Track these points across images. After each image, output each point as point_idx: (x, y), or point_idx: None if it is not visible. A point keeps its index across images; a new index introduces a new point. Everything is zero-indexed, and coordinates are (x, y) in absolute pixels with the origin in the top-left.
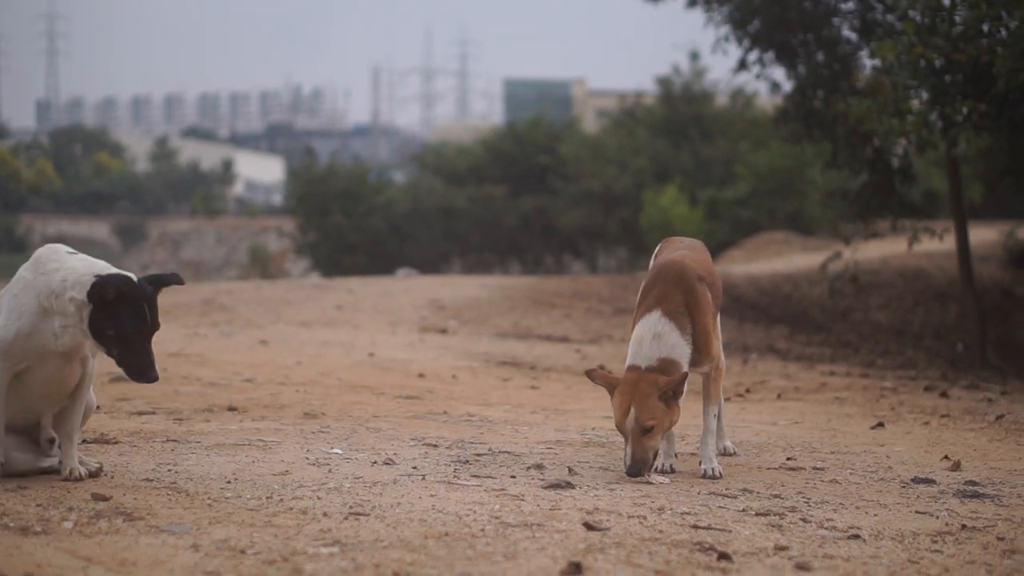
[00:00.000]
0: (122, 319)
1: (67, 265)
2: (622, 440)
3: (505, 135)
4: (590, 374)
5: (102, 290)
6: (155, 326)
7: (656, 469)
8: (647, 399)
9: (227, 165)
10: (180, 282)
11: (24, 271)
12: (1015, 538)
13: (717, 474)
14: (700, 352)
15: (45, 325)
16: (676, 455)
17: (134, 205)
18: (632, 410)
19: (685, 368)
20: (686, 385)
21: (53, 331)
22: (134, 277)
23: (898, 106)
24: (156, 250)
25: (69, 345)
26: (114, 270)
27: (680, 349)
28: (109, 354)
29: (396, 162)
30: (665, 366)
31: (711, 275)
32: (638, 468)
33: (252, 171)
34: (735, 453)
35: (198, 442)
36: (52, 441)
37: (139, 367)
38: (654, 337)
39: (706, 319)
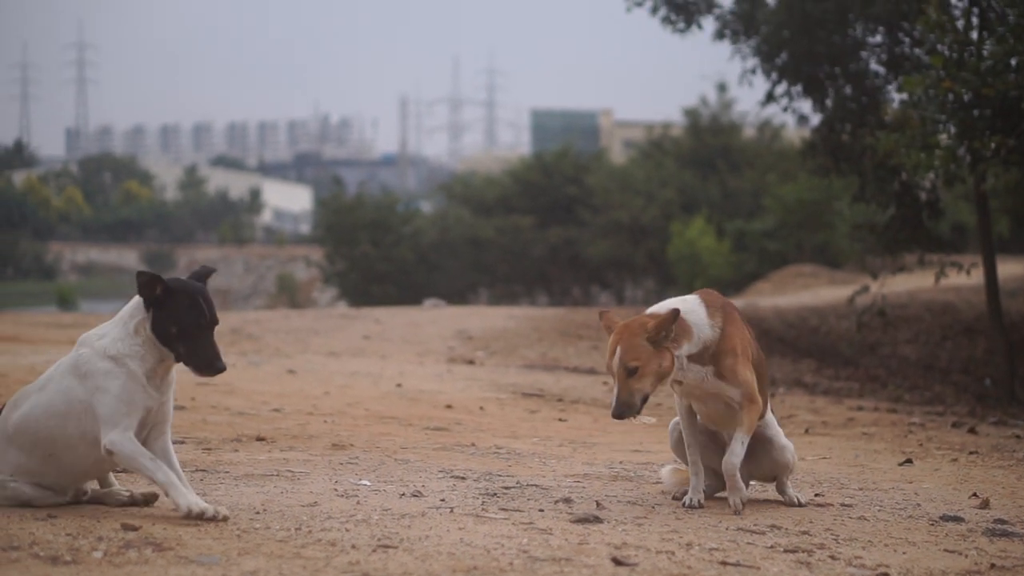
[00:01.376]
0: (181, 314)
1: (103, 331)
2: (652, 476)
3: (533, 165)
4: (601, 314)
5: (150, 285)
6: (214, 319)
7: (684, 504)
8: (634, 338)
9: (255, 194)
10: (214, 269)
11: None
12: None
13: (737, 508)
14: (722, 353)
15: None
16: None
17: (162, 233)
18: (618, 350)
19: (696, 333)
20: (675, 329)
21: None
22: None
23: (926, 140)
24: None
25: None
26: None
27: (697, 316)
28: (177, 356)
29: (424, 192)
30: (671, 315)
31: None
32: (621, 411)
33: (280, 200)
34: (802, 504)
35: (227, 472)
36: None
37: (206, 360)
38: (681, 302)
39: (736, 329)
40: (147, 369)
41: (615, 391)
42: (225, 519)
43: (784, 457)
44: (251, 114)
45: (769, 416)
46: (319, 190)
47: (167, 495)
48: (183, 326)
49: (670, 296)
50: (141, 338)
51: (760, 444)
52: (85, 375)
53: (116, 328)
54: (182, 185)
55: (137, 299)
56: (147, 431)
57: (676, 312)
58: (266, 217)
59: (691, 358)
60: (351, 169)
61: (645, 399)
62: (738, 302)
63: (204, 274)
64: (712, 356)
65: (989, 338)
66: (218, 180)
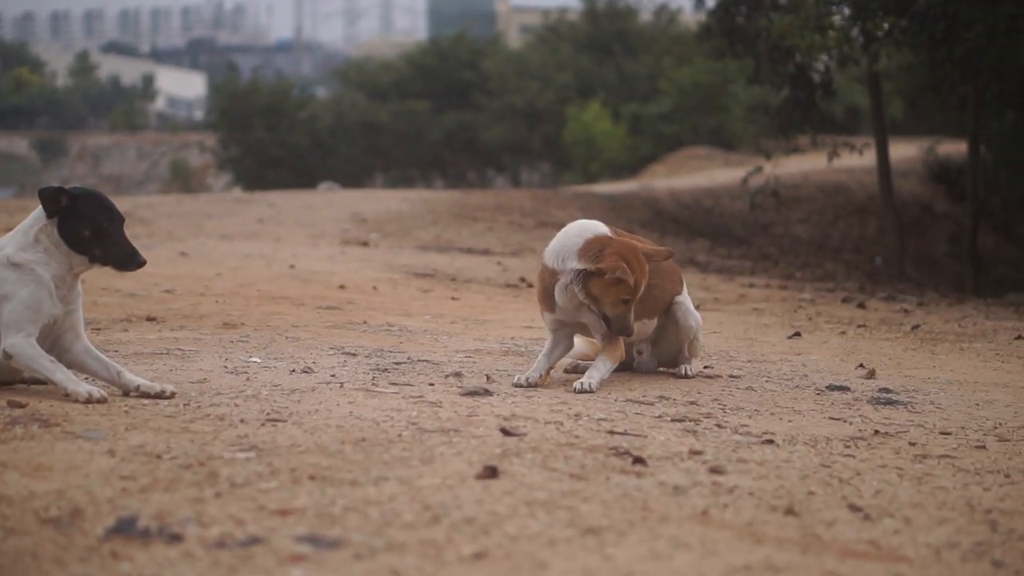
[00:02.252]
0: (92, 216)
1: (2, 242)
2: (538, 351)
3: (429, 51)
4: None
5: (54, 199)
6: (122, 216)
7: (514, 382)
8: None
9: (148, 81)
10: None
11: None
12: (926, 443)
13: (590, 387)
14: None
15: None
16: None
17: (54, 120)
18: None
19: None
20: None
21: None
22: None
23: (820, 21)
24: (76, 165)
25: (66, 292)
26: None
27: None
28: (93, 258)
29: (319, 78)
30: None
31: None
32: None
33: (173, 87)
34: (691, 376)
35: (116, 351)
36: None
37: (126, 254)
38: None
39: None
40: (54, 276)
41: (631, 316)
42: (103, 400)
43: (688, 324)
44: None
45: (684, 298)
46: (213, 76)
47: (67, 394)
48: (96, 227)
49: (565, 180)
50: (43, 246)
51: (671, 324)
52: None
53: (17, 237)
54: (73, 72)
55: (38, 210)
56: (52, 340)
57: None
58: (160, 104)
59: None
60: (246, 55)
61: None
62: (633, 184)
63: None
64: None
65: (880, 218)
66: (110, 66)
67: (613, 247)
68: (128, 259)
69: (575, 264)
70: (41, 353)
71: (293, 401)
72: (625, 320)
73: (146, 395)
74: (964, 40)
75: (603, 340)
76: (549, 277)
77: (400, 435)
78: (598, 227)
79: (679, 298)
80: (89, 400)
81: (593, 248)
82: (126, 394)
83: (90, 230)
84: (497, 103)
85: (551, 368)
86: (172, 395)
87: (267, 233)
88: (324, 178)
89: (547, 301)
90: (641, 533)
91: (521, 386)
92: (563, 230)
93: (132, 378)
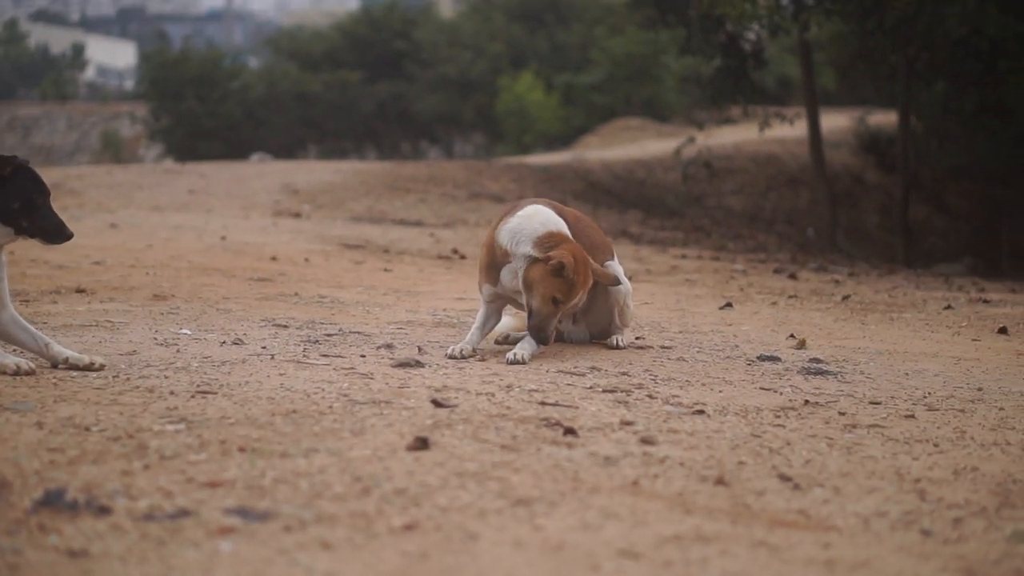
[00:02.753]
0: (22, 189)
1: None
2: (471, 323)
3: (361, 20)
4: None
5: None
6: (49, 191)
7: (447, 353)
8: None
9: (78, 49)
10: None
11: None
12: (856, 413)
13: (522, 359)
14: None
15: None
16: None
17: None
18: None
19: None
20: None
21: None
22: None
23: None
24: (5, 135)
25: None
26: None
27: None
28: (19, 230)
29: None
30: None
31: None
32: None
33: (104, 56)
34: (622, 347)
35: (44, 323)
36: None
37: (54, 227)
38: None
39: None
40: None
41: (554, 322)
42: (31, 372)
43: (617, 290)
44: None
45: (615, 265)
46: (144, 46)
47: None
48: (26, 199)
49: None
50: None
51: (600, 292)
52: None
53: None
54: (1, 41)
55: None
56: None
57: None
58: (90, 73)
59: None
60: (176, 24)
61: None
62: (566, 155)
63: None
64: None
65: (812, 189)
66: (39, 35)
67: (569, 247)
68: (57, 232)
69: (528, 250)
70: None
71: (223, 373)
72: (546, 324)
73: (75, 367)
74: (893, 9)
75: None
76: (501, 256)
77: (331, 407)
78: (559, 223)
79: (609, 262)
80: (17, 372)
81: (551, 241)
82: (54, 366)
83: (20, 202)
84: (430, 73)
85: (483, 340)
86: (101, 367)
87: (198, 204)
88: (256, 149)
89: (490, 274)
90: (572, 504)
91: (455, 358)
92: (523, 212)
93: (60, 350)
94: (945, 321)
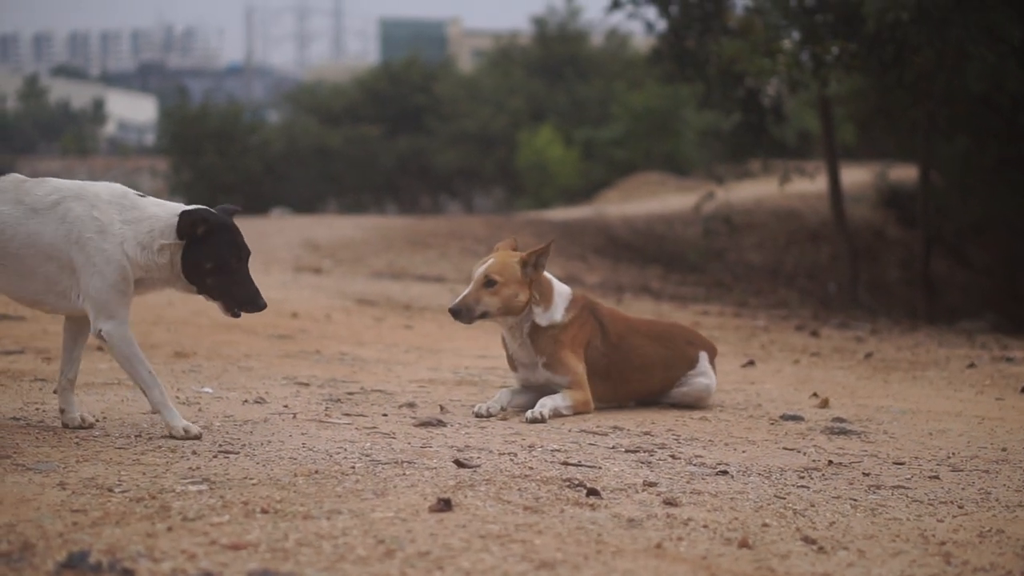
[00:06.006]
0: (222, 251)
1: (148, 212)
2: (497, 381)
3: (380, 75)
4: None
5: (191, 224)
6: (249, 252)
7: (474, 412)
8: (508, 259)
9: (98, 104)
10: (239, 208)
11: (95, 211)
12: (880, 474)
13: (542, 417)
14: (558, 343)
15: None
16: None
17: (3, 144)
18: (489, 261)
19: (552, 310)
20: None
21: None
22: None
23: (769, 46)
24: None
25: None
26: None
27: (561, 296)
28: (202, 289)
29: (270, 102)
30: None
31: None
32: (459, 308)
33: (124, 111)
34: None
35: None
36: None
37: (249, 297)
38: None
39: (581, 330)
40: (151, 283)
41: (465, 291)
42: (198, 437)
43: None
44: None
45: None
46: (164, 100)
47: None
48: (221, 264)
49: (518, 205)
50: (164, 260)
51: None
52: None
53: (144, 236)
54: (22, 96)
55: (175, 219)
56: None
57: (551, 243)
58: (110, 128)
59: (531, 337)
60: (197, 79)
61: (484, 315)
62: (586, 210)
63: (231, 211)
64: (548, 342)
65: (833, 244)
66: (60, 90)
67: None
68: (249, 301)
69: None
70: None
71: (245, 432)
72: (465, 297)
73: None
74: (913, 64)
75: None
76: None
77: (353, 467)
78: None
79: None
80: (186, 436)
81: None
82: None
83: (213, 263)
84: (450, 128)
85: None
86: (198, 436)
87: None
88: (276, 203)
89: (511, 362)
90: (595, 566)
91: (482, 416)
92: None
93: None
94: (968, 380)
